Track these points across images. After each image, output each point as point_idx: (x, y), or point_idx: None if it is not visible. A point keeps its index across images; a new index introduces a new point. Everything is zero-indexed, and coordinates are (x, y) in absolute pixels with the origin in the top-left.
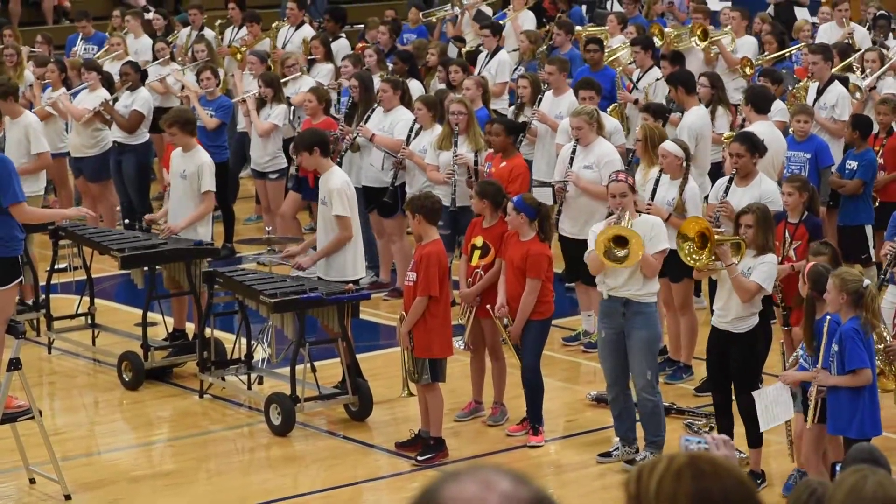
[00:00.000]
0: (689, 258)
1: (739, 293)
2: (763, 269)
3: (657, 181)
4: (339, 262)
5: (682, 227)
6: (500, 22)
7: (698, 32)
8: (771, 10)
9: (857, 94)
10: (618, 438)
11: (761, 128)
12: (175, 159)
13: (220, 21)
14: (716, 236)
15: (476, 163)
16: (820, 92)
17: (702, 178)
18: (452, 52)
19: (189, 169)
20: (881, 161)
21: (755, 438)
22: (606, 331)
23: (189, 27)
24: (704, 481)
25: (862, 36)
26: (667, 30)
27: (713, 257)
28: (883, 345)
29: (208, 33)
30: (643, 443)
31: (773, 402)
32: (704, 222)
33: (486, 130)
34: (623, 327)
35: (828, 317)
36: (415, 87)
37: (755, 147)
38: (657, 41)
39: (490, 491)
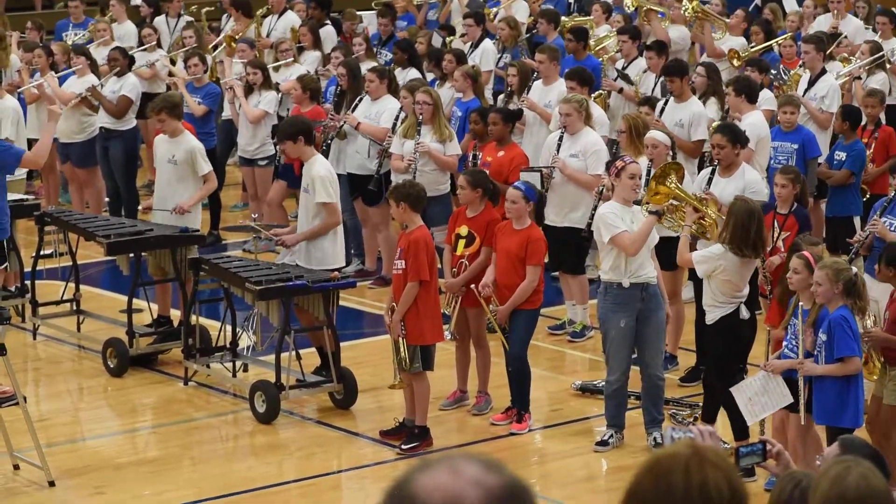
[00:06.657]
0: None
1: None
2: (703, 250)
3: (649, 171)
4: (320, 251)
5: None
6: (494, 10)
7: (693, 3)
8: (758, 0)
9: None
10: (611, 427)
11: (755, 118)
12: (161, 145)
13: (206, 9)
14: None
15: (467, 157)
16: (811, 82)
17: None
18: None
19: (178, 154)
20: (870, 153)
21: (739, 431)
22: (627, 319)
23: (165, 15)
24: (713, 472)
25: (855, 27)
26: None
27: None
28: (862, 331)
29: (186, 19)
30: (637, 428)
31: (759, 394)
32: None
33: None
34: (640, 313)
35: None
36: (414, 76)
37: (737, 138)
38: (629, 5)
39: (460, 478)
